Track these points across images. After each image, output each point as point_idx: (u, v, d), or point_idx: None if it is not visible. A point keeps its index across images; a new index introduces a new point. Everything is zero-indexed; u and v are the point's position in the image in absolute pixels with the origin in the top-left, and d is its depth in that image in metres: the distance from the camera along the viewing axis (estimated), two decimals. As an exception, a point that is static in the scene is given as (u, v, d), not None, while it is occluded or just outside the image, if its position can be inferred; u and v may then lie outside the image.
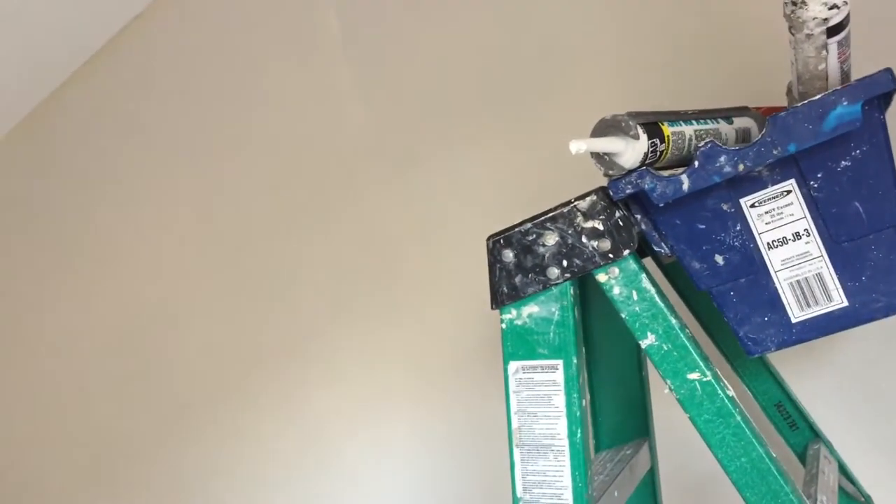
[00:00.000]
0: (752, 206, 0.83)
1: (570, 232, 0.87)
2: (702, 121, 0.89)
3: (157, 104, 1.97)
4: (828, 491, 0.95)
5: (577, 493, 0.87)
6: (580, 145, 0.78)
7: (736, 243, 0.84)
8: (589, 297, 1.05)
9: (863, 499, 1.15)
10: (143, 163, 2.00)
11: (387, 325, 1.71)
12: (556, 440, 0.88)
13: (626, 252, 0.85)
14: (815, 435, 1.14)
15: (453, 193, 1.61)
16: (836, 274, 0.82)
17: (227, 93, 1.86)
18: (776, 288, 0.84)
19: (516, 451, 0.90)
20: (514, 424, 0.90)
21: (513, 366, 0.90)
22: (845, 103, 0.76)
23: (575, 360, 0.87)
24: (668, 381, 0.84)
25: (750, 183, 0.83)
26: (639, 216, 0.88)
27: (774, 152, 0.78)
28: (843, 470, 1.14)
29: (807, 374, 1.29)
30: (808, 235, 0.82)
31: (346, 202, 1.74)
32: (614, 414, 1.16)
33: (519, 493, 0.90)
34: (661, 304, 0.84)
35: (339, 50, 1.72)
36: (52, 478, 2.28)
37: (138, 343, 2.07)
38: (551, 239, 0.88)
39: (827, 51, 0.83)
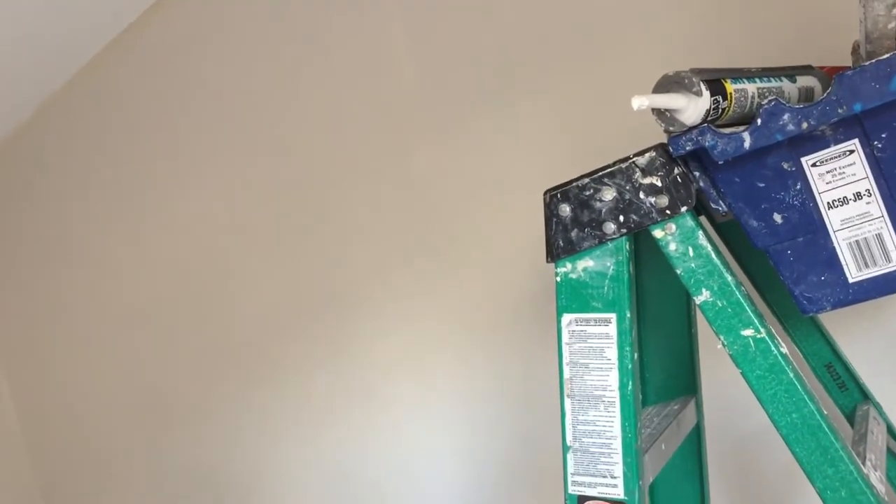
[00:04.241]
0: (814, 165, 0.83)
1: (627, 187, 0.88)
2: (765, 78, 0.89)
3: (215, 57, 2.00)
4: (876, 450, 0.95)
5: (627, 443, 0.89)
6: (642, 101, 0.79)
7: (795, 202, 0.84)
8: (641, 253, 1.06)
9: (910, 460, 1.15)
10: (202, 116, 2.04)
11: (439, 276, 1.74)
12: (608, 391, 0.90)
13: (684, 209, 0.85)
14: (865, 397, 1.14)
15: (506, 148, 1.62)
16: (897, 235, 0.81)
17: (280, 46, 1.88)
18: (834, 248, 0.84)
19: (567, 401, 0.92)
20: (566, 375, 0.92)
21: (566, 318, 0.92)
22: (914, 62, 0.75)
23: (628, 315, 0.89)
24: (722, 338, 0.85)
25: (812, 142, 0.82)
26: (697, 173, 0.88)
27: (839, 111, 0.77)
28: (891, 432, 1.14)
29: (858, 336, 1.29)
30: (870, 196, 0.82)
31: (399, 155, 1.75)
32: (662, 370, 1.18)
33: (569, 441, 0.92)
34: (717, 261, 0.85)
35: (392, 3, 1.72)
36: (110, 418, 2.37)
37: (194, 293, 2.13)
38: (609, 194, 0.89)
39: (898, 9, 0.82)
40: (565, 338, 0.92)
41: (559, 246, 0.92)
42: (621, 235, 0.89)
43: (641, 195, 0.87)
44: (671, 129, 0.84)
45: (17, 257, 2.52)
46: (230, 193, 2.02)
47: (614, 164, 0.88)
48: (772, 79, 0.90)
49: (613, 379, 0.89)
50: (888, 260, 0.82)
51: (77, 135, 2.28)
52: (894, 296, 0.87)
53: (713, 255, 0.85)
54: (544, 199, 0.92)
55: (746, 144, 0.81)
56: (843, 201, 0.83)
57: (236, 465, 2.13)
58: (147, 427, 2.29)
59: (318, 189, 1.88)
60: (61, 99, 2.29)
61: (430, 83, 1.70)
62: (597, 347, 0.90)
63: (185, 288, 2.14)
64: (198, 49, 2.01)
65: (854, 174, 0.82)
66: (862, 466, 0.81)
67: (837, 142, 0.82)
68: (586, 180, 0.90)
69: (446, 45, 1.67)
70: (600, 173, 0.89)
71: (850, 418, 1.13)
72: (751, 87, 0.86)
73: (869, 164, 0.81)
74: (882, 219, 0.82)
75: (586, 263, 0.91)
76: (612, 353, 0.89)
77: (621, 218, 0.88)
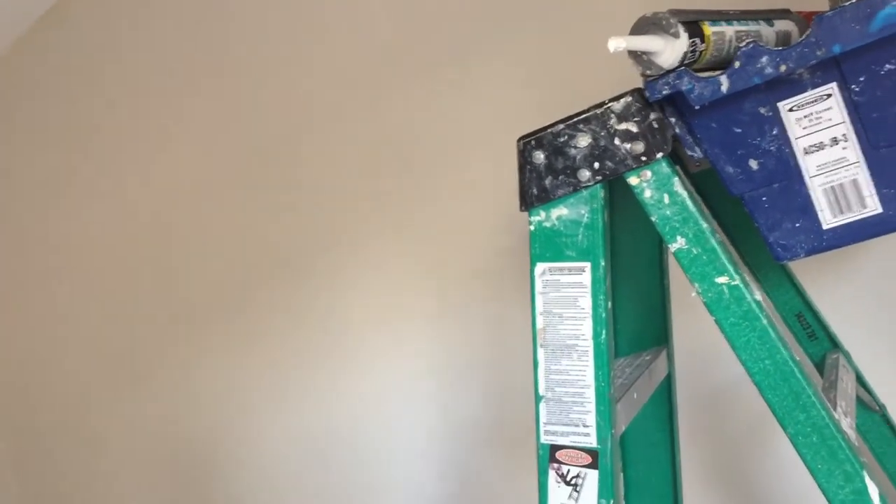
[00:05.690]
0: (791, 109, 0.82)
1: (602, 134, 0.86)
2: (743, 21, 0.87)
3: (171, 10, 1.93)
4: (847, 398, 0.96)
5: (600, 392, 0.88)
6: (619, 43, 0.77)
7: (771, 148, 0.83)
8: (614, 202, 1.05)
9: (878, 408, 1.17)
10: (166, 70, 1.98)
11: (409, 228, 1.72)
12: (581, 340, 0.89)
13: (660, 155, 0.84)
14: (834, 345, 1.15)
15: (479, 97, 1.59)
16: (872, 180, 0.81)
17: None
18: (810, 194, 0.83)
19: (540, 351, 0.91)
20: (539, 325, 0.91)
21: (540, 267, 0.90)
22: (894, 3, 0.73)
23: (602, 263, 0.88)
24: (696, 285, 0.84)
25: (789, 86, 0.81)
26: (673, 119, 0.87)
27: (818, 53, 0.76)
28: (859, 380, 1.16)
29: (827, 286, 1.30)
30: (846, 141, 0.81)
31: (369, 105, 1.72)
32: (634, 321, 1.18)
33: (541, 391, 0.91)
34: (693, 208, 0.83)
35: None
36: (72, 383, 2.33)
37: (157, 253, 2.09)
38: (583, 141, 0.87)
39: (879, -52, 0.80)
40: (539, 287, 0.91)
41: (533, 194, 0.90)
42: (596, 183, 0.87)
43: (617, 141, 0.85)
44: (648, 72, 0.82)
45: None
46: (194, 149, 1.97)
47: (589, 109, 0.86)
48: (749, 22, 0.88)
49: (587, 328, 0.88)
50: (863, 206, 0.82)
51: (42, 84, 2.20)
52: (864, 244, 0.87)
53: (688, 202, 0.83)
54: (518, 147, 0.90)
55: (724, 88, 0.80)
56: (820, 146, 0.82)
57: (205, 428, 2.11)
58: (114, 391, 2.25)
59: (284, 143, 1.85)
60: (15, 53, 2.21)
61: (405, 33, 1.66)
62: (570, 296, 0.89)
63: (148, 247, 2.10)
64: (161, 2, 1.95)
65: (831, 119, 0.81)
66: (833, 412, 0.82)
67: (815, 86, 0.80)
68: (561, 126, 0.88)
69: (417, -6, 1.63)
70: (575, 119, 0.87)
71: (820, 367, 1.14)
72: (729, 30, 0.84)
73: (846, 108, 0.80)
74: (858, 164, 0.81)
75: (560, 211, 0.89)
76: (586, 302, 0.88)
77: (596, 165, 0.87)
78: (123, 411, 2.25)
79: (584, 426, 0.89)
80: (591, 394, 0.89)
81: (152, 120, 2.02)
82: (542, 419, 0.91)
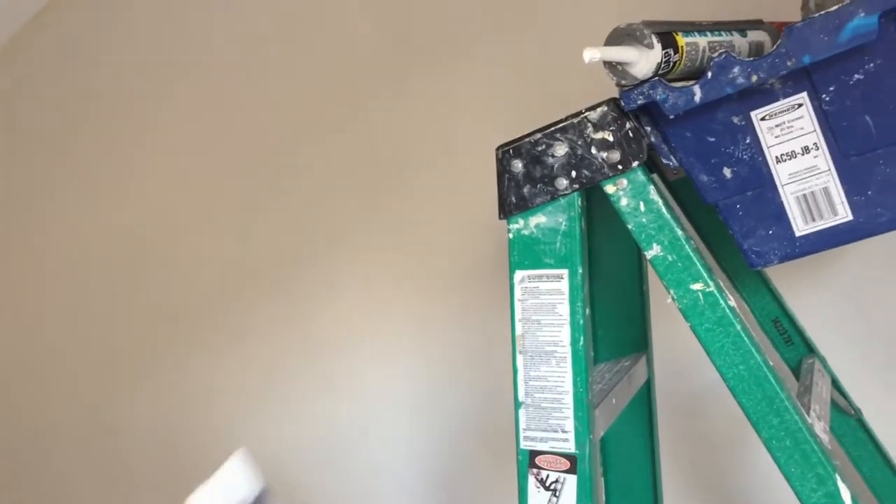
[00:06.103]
0: (763, 119, 0.83)
1: (579, 143, 0.87)
2: (716, 32, 0.88)
3: (162, 14, 1.93)
4: (821, 402, 0.97)
5: (578, 397, 0.89)
6: (594, 54, 0.78)
7: (745, 156, 0.85)
8: (593, 209, 1.06)
9: (853, 412, 1.18)
10: (154, 75, 1.98)
11: (394, 234, 1.72)
12: (559, 347, 0.90)
13: (636, 163, 0.85)
14: (810, 350, 1.17)
15: (457, 106, 1.60)
16: (843, 188, 0.82)
17: (235, 3, 1.83)
18: (782, 201, 0.85)
19: (519, 357, 0.92)
20: (518, 331, 0.92)
21: (519, 275, 0.91)
22: (862, 15, 0.75)
23: (580, 270, 0.89)
24: (672, 292, 0.85)
25: (761, 96, 0.83)
26: (649, 128, 0.88)
27: (788, 63, 0.77)
28: (835, 384, 1.17)
29: (804, 291, 1.31)
30: (817, 149, 0.82)
31: (348, 115, 1.73)
32: (614, 327, 1.19)
33: (521, 397, 0.92)
34: (668, 216, 0.85)
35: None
36: (58, 386, 2.32)
37: (139, 257, 2.09)
38: (560, 149, 0.88)
39: (847, -39, 0.81)
40: (518, 294, 0.92)
41: (511, 202, 0.91)
42: (573, 191, 0.88)
43: (593, 150, 0.86)
44: (623, 82, 0.83)
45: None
46: (189, 150, 1.97)
47: (566, 118, 0.88)
48: (723, 33, 0.90)
49: (565, 334, 0.89)
50: (834, 213, 0.83)
51: (28, 87, 2.19)
52: (839, 249, 0.88)
53: (664, 210, 0.85)
54: (496, 155, 0.91)
55: (697, 98, 0.81)
56: (792, 155, 0.83)
57: (201, 428, 2.10)
58: (110, 391, 2.24)
59: (269, 148, 1.85)
60: (9, 52, 2.20)
61: (385, 40, 1.67)
62: (549, 303, 0.90)
63: (142, 247, 2.09)
64: (150, 5, 1.95)
65: (802, 128, 0.82)
66: (806, 416, 0.83)
67: (786, 95, 0.82)
68: (538, 136, 0.89)
69: (401, 1, 1.64)
70: (552, 128, 0.88)
71: (796, 372, 1.16)
72: (702, 41, 0.85)
73: (817, 117, 0.82)
74: (829, 172, 0.83)
75: (538, 220, 0.90)
76: (564, 308, 0.89)
77: (573, 173, 0.88)
78: (120, 411, 2.23)
79: (563, 431, 0.90)
80: (569, 399, 0.90)
81: (147, 122, 2.01)
82: (522, 425, 0.92)
